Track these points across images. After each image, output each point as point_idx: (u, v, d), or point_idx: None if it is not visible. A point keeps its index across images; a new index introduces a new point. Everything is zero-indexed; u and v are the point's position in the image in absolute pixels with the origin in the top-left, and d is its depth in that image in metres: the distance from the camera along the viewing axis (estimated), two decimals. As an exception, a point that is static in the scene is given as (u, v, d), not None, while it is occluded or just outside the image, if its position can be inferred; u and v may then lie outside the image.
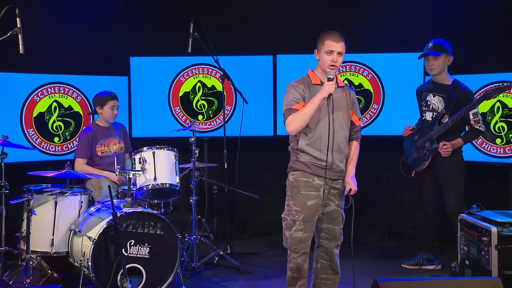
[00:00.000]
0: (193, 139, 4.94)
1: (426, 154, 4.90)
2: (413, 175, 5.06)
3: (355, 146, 3.93)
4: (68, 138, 5.92)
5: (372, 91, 6.17)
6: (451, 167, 4.85)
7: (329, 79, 3.71)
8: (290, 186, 3.84)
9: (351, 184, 3.79)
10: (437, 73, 4.93)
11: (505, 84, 4.62)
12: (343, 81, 4.02)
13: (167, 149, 4.69)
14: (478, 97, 4.77)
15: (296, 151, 3.83)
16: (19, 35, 4.03)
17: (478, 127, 4.81)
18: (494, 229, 3.90)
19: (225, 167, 5.30)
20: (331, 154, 3.74)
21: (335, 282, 3.91)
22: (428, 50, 4.89)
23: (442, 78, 4.93)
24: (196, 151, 4.97)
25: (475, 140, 5.56)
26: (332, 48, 3.74)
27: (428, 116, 4.97)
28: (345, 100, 3.86)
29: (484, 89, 5.57)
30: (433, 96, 4.94)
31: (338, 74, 3.88)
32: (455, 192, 4.84)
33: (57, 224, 4.43)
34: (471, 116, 4.77)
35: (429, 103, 4.97)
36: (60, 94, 5.88)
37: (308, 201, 3.76)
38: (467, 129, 4.95)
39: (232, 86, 5.43)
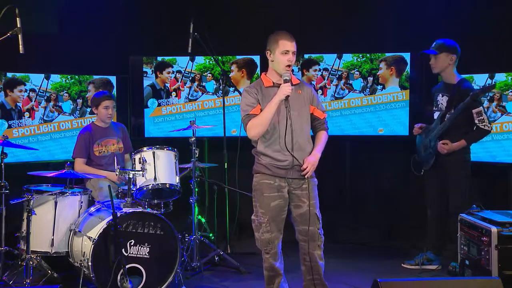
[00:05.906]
0: (193, 139, 4.94)
1: (431, 152, 4.90)
2: (422, 173, 5.05)
3: (321, 134, 3.93)
4: (68, 138, 5.92)
5: (372, 91, 6.15)
6: (455, 167, 4.82)
7: (285, 81, 3.70)
8: (254, 188, 3.89)
9: (307, 160, 3.74)
10: (438, 71, 4.94)
11: (488, 84, 4.75)
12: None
13: (167, 149, 4.69)
14: (468, 98, 4.71)
15: (257, 153, 3.87)
16: (19, 35, 4.03)
17: (482, 127, 4.74)
18: (494, 229, 3.90)
19: (225, 167, 5.30)
20: (291, 154, 3.74)
21: (323, 282, 3.89)
22: (427, 49, 4.90)
23: (448, 78, 4.92)
24: (196, 151, 4.97)
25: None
26: (288, 47, 3.73)
27: (436, 115, 4.99)
28: (302, 97, 3.85)
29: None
30: (441, 96, 4.95)
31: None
32: (460, 192, 4.82)
33: (57, 224, 4.43)
34: (474, 115, 4.73)
35: (438, 103, 4.98)
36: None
37: (271, 203, 3.79)
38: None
39: (232, 86, 5.43)
